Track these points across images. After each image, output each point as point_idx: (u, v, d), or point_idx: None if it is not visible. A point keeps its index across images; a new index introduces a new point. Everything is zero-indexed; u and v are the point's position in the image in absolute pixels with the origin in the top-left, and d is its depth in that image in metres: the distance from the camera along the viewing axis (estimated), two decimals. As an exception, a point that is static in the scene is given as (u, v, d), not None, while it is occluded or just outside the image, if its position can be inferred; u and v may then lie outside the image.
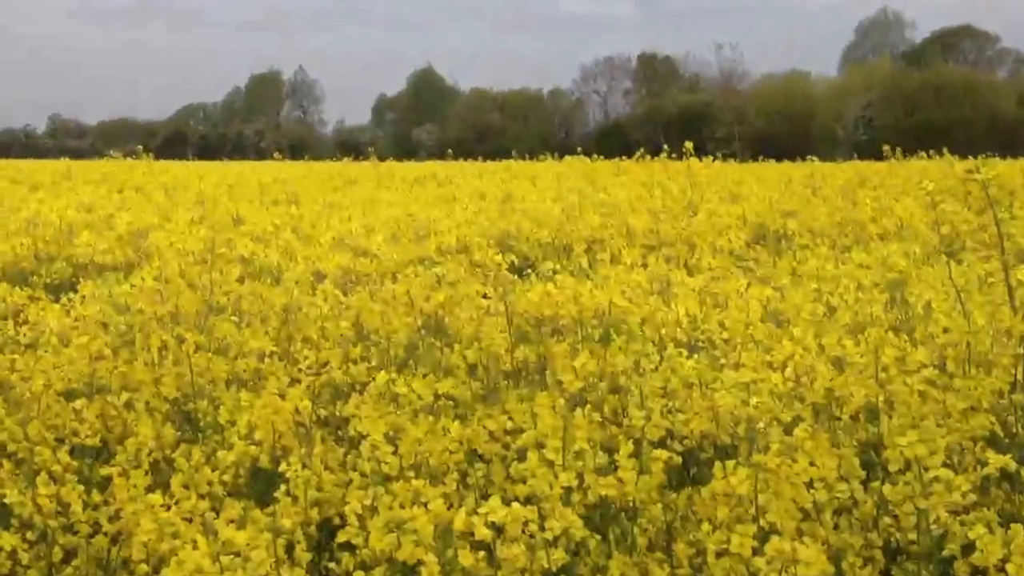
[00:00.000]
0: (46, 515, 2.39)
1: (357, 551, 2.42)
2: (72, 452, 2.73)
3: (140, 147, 20.31)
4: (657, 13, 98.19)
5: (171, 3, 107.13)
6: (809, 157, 16.25)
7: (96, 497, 2.50)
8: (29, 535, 2.43)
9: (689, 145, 13.75)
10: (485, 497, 3.03)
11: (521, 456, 3.08)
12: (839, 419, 3.25)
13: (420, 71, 68.50)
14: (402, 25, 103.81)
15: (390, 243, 8.19)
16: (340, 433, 3.40)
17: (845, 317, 4.52)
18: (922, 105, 49.52)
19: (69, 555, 2.49)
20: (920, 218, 8.00)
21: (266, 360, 4.03)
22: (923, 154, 16.31)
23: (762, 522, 2.48)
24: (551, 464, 2.74)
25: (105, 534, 2.47)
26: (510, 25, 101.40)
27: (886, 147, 14.65)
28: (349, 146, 37.72)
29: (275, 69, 70.11)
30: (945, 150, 16.19)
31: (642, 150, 18.45)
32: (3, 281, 5.78)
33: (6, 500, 2.45)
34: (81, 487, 2.48)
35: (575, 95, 66.97)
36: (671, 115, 55.23)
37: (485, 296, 5.46)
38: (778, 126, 52.39)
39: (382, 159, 23.89)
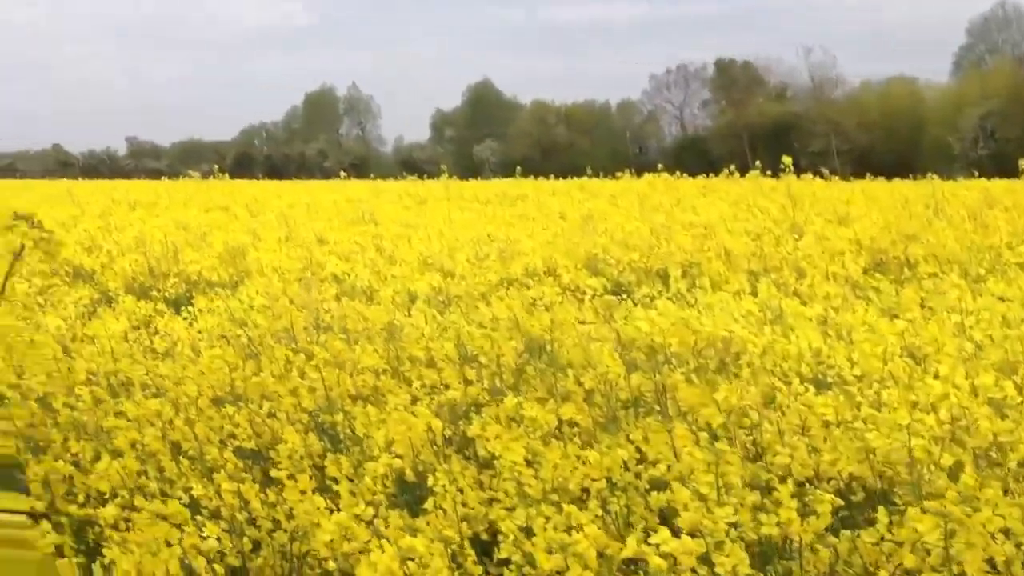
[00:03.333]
0: (232, 508, 2.64)
1: (512, 567, 2.60)
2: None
3: (215, 167, 21.38)
4: (725, 14, 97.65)
5: (212, 24, 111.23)
6: (930, 175, 16.09)
7: (272, 495, 2.75)
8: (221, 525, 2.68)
9: (787, 160, 13.80)
10: (627, 525, 3.22)
11: (655, 486, 3.28)
12: (1000, 466, 3.31)
13: (476, 84, 68.89)
14: (453, 35, 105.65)
15: (474, 264, 8.45)
16: (466, 453, 3.60)
17: (993, 355, 4.55)
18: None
19: (256, 546, 2.74)
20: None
21: (381, 377, 4.27)
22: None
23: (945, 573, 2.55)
24: (703, 498, 2.87)
25: (284, 530, 2.71)
26: (558, 35, 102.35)
27: (1024, 162, 14.25)
28: (411, 164, 38.40)
29: (328, 86, 71.64)
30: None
31: (732, 166, 18.53)
32: (128, 294, 6.28)
33: (193, 493, 2.71)
34: (257, 485, 2.74)
35: (648, 107, 66.73)
36: (757, 127, 54.65)
37: (582, 321, 5.67)
38: (882, 139, 51.28)
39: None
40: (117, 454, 3.05)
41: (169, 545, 2.48)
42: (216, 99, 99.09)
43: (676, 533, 2.65)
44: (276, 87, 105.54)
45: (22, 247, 1.46)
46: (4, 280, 1.46)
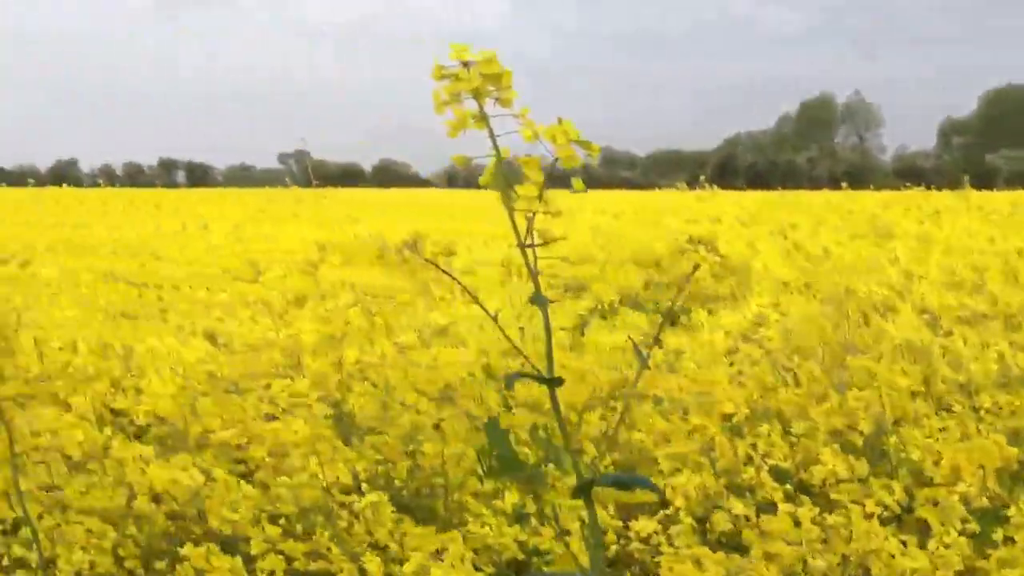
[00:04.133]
0: (783, 533, 2.63)
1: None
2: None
3: (702, 178, 22.44)
4: None
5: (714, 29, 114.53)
6: None
7: (828, 518, 2.69)
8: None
9: None
10: None
11: None
12: None
13: (995, 90, 66.20)
14: (970, 43, 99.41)
15: (1006, 280, 7.93)
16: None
17: None
18: None
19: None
20: None
21: (916, 400, 4.07)
22: None
23: None
24: None
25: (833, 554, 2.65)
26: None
27: None
28: (911, 173, 36.87)
29: (827, 93, 71.57)
30: None
31: None
32: (623, 305, 6.53)
33: (734, 511, 2.75)
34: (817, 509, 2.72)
35: None
36: None
37: None
38: None
39: (949, 187, 23.35)
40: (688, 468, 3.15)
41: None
42: (693, 107, 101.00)
43: None
44: (768, 94, 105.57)
45: (695, 267, 1.53)
46: (673, 302, 1.54)
